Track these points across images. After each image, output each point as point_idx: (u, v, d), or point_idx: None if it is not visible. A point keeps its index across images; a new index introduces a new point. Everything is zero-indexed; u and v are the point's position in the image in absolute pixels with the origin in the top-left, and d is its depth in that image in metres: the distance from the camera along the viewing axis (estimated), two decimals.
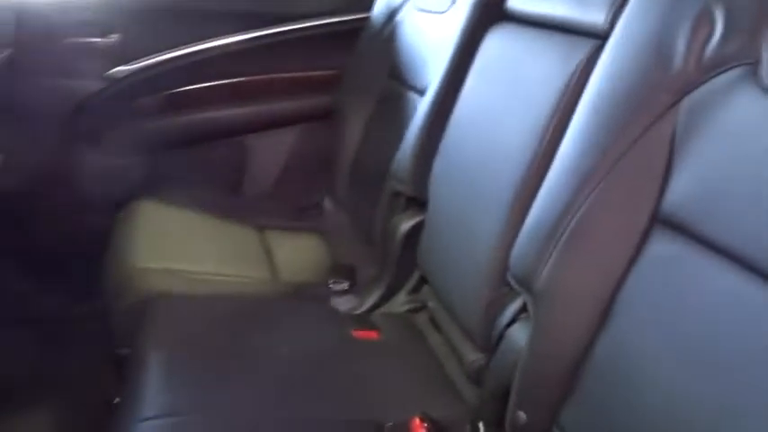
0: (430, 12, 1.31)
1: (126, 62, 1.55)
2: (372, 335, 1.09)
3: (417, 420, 0.87)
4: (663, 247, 0.66)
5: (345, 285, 1.24)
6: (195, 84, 1.61)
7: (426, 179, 1.10)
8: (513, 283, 0.82)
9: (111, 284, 1.20)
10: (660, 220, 0.66)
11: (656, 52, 0.67)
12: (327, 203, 1.61)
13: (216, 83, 1.61)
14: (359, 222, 1.42)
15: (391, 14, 1.45)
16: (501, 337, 0.86)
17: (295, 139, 1.68)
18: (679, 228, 0.63)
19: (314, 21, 1.60)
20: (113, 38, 1.54)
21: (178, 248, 1.29)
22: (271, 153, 1.68)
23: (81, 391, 1.10)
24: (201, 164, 1.64)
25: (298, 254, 1.41)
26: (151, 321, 1.05)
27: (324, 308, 1.18)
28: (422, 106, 1.15)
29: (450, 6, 1.20)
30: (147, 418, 0.83)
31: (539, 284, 0.75)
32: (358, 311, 1.18)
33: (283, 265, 1.35)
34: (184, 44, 1.57)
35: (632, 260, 0.68)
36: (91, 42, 1.52)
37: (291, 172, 1.68)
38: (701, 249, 0.60)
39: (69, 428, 1.19)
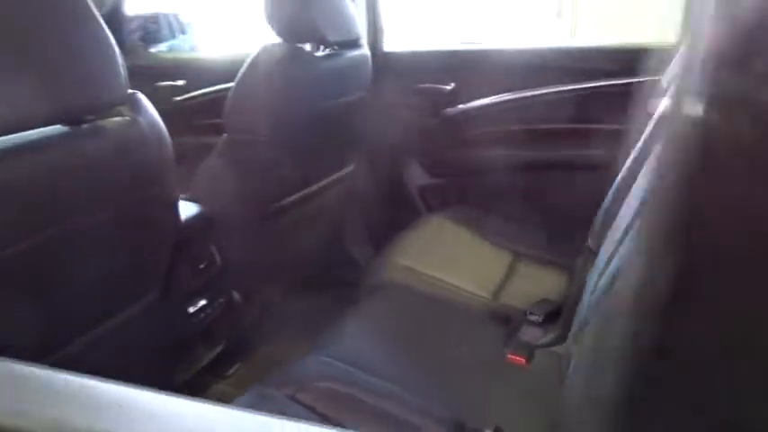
0: None
1: (457, 104, 1.96)
2: (521, 361, 1.25)
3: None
4: None
5: (539, 318, 1.39)
6: (508, 126, 1.91)
7: (605, 236, 1.19)
8: None
9: (372, 267, 1.63)
10: None
11: None
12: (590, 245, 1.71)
13: (523, 127, 1.89)
14: None
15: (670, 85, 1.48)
16: None
17: (577, 183, 1.81)
18: None
19: (611, 80, 1.72)
20: (451, 85, 1.96)
21: (433, 255, 1.63)
22: (558, 192, 1.86)
23: None
24: (498, 192, 1.93)
25: (533, 284, 1.58)
26: (378, 299, 1.44)
27: (504, 331, 1.37)
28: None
29: None
30: (329, 357, 1.22)
31: None
32: (534, 343, 1.33)
33: (510, 290, 1.56)
34: (505, 92, 1.89)
35: None
36: (433, 87, 1.98)
37: (570, 212, 1.82)
38: None
39: None
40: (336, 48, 1.65)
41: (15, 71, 0.77)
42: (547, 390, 1.17)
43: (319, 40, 1.57)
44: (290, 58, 1.52)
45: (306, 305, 1.78)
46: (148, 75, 2.11)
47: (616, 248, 0.99)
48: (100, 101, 0.90)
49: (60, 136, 0.88)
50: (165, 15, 2.54)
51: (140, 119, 0.97)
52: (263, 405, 1.10)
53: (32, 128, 0.83)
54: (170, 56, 2.45)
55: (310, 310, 1.82)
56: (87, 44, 0.87)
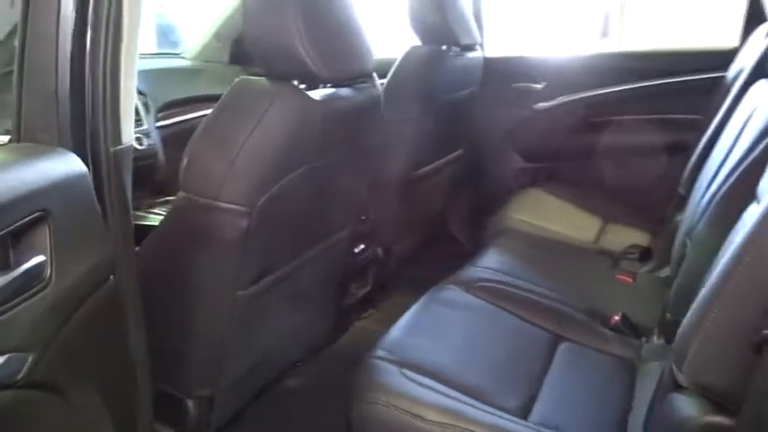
0: None
1: (547, 100, 2.38)
2: (628, 280, 1.65)
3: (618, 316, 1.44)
4: None
5: (636, 256, 1.79)
6: (589, 117, 2.32)
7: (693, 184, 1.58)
8: None
9: (494, 219, 2.05)
10: None
11: None
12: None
13: (602, 119, 2.29)
14: None
15: (737, 76, 1.87)
16: None
17: (649, 165, 2.19)
18: None
19: (679, 77, 2.14)
20: (542, 84, 2.39)
21: (539, 212, 2.06)
22: (632, 174, 2.24)
23: None
24: (581, 174, 2.34)
25: (623, 237, 1.95)
26: (504, 239, 1.85)
27: (609, 262, 1.77)
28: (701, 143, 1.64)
29: None
30: (485, 267, 1.62)
31: None
32: (636, 270, 1.73)
33: (606, 240, 1.96)
34: (586, 90, 2.31)
35: None
36: (528, 86, 2.40)
37: (648, 188, 2.19)
38: None
39: None
40: (461, 50, 2.08)
41: (335, 42, 1.19)
42: (653, 296, 1.56)
43: (453, 43, 2.00)
44: (433, 57, 1.95)
45: (430, 258, 2.20)
46: None
47: (707, 188, 1.37)
48: (362, 69, 1.32)
49: (338, 90, 1.29)
50: None
51: (375, 87, 1.40)
52: (446, 295, 1.49)
53: (332, 84, 1.25)
54: None
55: (433, 263, 2.23)
56: (357, 29, 1.29)
